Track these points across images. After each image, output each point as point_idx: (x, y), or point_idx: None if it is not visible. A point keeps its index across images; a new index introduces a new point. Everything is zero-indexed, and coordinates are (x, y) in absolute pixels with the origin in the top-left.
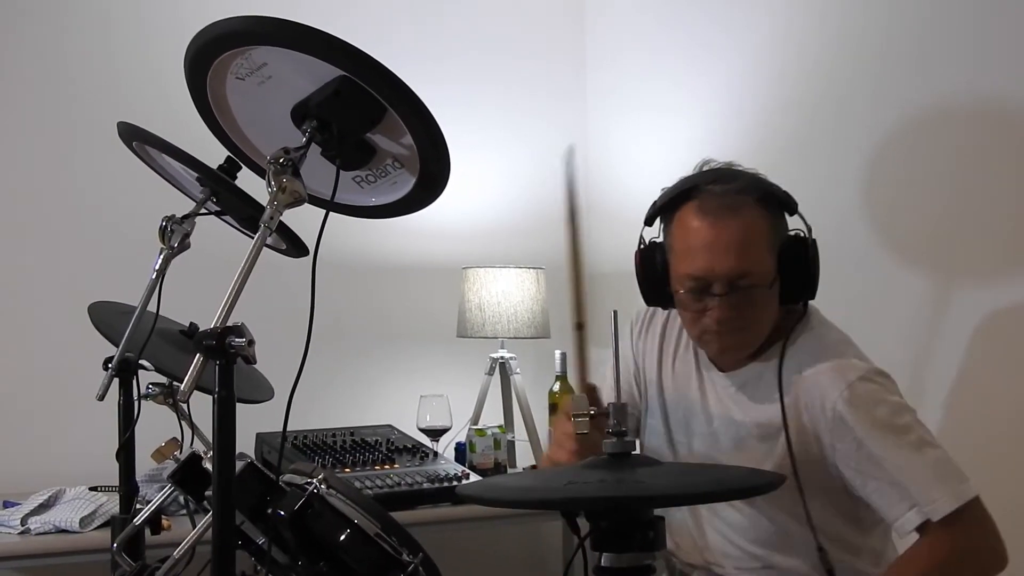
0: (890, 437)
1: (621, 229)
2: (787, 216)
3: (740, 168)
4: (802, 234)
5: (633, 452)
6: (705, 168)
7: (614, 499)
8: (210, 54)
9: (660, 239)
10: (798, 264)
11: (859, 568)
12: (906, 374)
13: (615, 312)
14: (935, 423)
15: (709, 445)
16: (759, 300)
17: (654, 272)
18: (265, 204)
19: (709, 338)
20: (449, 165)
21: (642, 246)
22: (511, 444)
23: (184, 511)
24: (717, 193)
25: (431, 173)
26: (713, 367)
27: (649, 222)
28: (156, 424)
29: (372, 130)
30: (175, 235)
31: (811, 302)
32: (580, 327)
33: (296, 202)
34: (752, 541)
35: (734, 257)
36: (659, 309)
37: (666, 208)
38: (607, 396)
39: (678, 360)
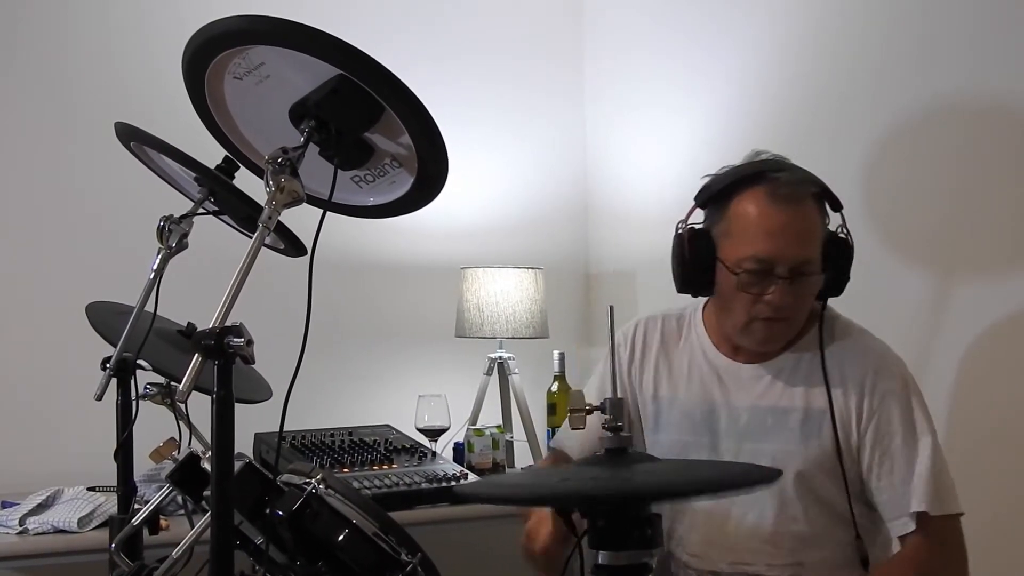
0: (920, 434)
1: (621, 229)
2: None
3: (791, 162)
4: (841, 233)
5: (630, 448)
6: (756, 159)
7: (607, 496)
8: (208, 53)
9: (701, 225)
10: (837, 260)
11: (876, 555)
12: None
13: (611, 307)
14: (934, 422)
15: (740, 440)
16: (812, 288)
17: (696, 258)
18: (263, 204)
19: (757, 326)
20: (447, 164)
21: (683, 231)
22: (509, 444)
23: (182, 511)
24: (785, 181)
25: (429, 172)
26: (734, 363)
27: (704, 204)
28: (154, 424)
29: (370, 129)
30: (173, 235)
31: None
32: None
33: (294, 202)
34: (786, 534)
35: (800, 244)
36: (646, 323)
37: (724, 192)
38: (602, 396)
39: (689, 364)
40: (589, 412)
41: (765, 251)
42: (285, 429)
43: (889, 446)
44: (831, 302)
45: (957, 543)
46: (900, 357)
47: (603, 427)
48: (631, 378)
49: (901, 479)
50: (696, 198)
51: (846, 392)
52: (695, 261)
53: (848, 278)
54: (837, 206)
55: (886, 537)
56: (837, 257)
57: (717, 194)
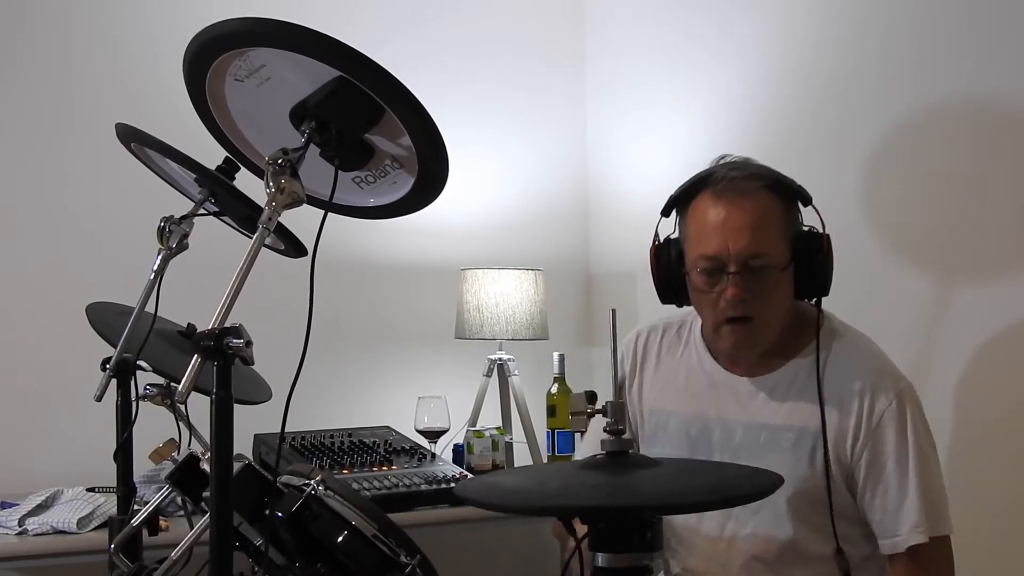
0: (914, 456)
1: (621, 230)
2: (801, 210)
3: (755, 161)
4: (817, 229)
5: (631, 451)
6: (721, 162)
7: (607, 508)
8: (209, 55)
9: (675, 235)
10: (811, 257)
11: (869, 569)
12: (908, 375)
13: (613, 311)
14: (936, 424)
15: (734, 456)
16: (772, 283)
17: (669, 267)
18: (263, 205)
19: (725, 329)
20: (447, 165)
21: (657, 242)
22: (509, 446)
23: (182, 512)
24: (729, 178)
25: (430, 173)
26: (731, 376)
27: (666, 213)
28: (154, 425)
29: (370, 130)
30: (173, 236)
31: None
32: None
33: (294, 203)
34: (773, 551)
35: (746, 237)
36: (647, 334)
37: (682, 198)
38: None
39: (686, 375)
40: (591, 415)
41: (712, 248)
42: (285, 430)
43: (884, 468)
44: (835, 311)
45: (945, 564)
46: (898, 370)
47: (604, 430)
48: (631, 390)
49: (894, 502)
50: (663, 208)
51: (842, 412)
52: (666, 271)
53: (828, 273)
54: (806, 200)
55: (875, 547)
56: (808, 251)
57: (675, 202)
